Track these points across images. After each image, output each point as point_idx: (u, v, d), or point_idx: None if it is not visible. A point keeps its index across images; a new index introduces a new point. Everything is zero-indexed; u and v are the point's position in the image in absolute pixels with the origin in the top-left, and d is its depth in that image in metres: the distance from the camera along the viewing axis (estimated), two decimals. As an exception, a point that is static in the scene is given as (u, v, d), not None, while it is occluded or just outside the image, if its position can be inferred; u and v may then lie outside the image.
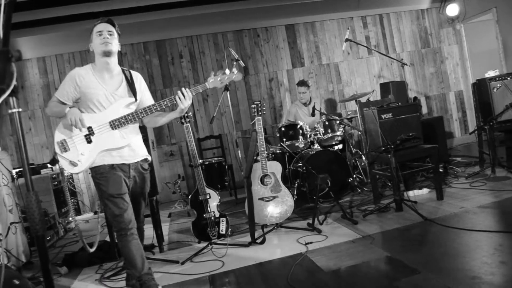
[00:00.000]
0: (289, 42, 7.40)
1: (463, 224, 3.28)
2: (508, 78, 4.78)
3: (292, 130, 5.10)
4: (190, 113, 3.91)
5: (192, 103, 6.90)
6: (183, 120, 3.85)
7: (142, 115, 2.72)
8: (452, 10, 7.67)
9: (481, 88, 5.00)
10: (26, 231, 4.11)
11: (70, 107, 2.66)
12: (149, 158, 2.97)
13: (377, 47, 7.64)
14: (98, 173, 2.70)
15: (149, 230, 4.05)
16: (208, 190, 3.86)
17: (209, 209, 3.84)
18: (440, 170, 4.41)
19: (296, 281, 2.80)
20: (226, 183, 5.81)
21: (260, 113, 4.02)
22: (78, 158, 2.66)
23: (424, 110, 7.80)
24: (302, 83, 5.99)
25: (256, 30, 7.28)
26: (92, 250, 3.24)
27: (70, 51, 6.60)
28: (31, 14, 5.78)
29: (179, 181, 5.96)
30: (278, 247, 3.61)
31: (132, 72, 2.92)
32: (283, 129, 5.14)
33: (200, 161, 3.97)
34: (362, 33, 7.68)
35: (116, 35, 2.77)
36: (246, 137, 6.72)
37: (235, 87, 7.10)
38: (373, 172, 4.51)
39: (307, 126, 5.19)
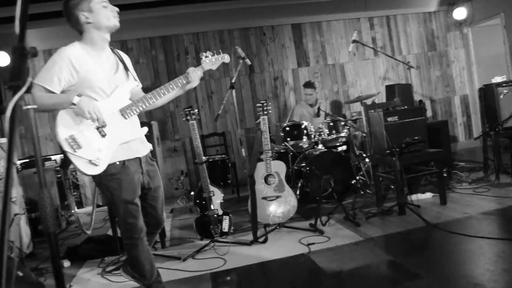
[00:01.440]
0: (295, 41, 7.39)
1: (466, 230, 3.27)
2: (515, 84, 4.77)
3: (297, 130, 5.10)
4: (196, 110, 3.91)
5: (197, 99, 6.94)
6: (188, 117, 3.85)
7: (152, 100, 2.41)
8: (460, 13, 7.64)
9: (487, 93, 4.98)
10: (29, 223, 4.13)
11: (78, 95, 2.18)
12: (151, 147, 2.66)
13: (383, 49, 7.62)
14: (109, 173, 2.30)
15: (151, 226, 4.07)
16: (212, 188, 3.86)
17: (212, 206, 3.84)
18: (444, 174, 4.40)
19: (298, 282, 2.81)
20: (229, 181, 5.82)
21: (265, 112, 4.01)
22: (97, 155, 2.23)
23: (429, 113, 7.78)
24: (309, 84, 5.98)
25: (262, 29, 7.27)
26: (88, 232, 3.22)
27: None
28: (38, 7, 5.78)
29: (182, 178, 5.96)
30: (280, 247, 3.61)
31: (119, 51, 2.56)
32: (287, 128, 5.13)
33: (204, 158, 3.96)
34: (368, 34, 7.66)
35: None
36: (249, 135, 6.72)
37: (240, 85, 7.09)
38: (377, 174, 4.51)
39: (312, 127, 5.19)
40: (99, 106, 2.22)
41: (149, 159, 2.56)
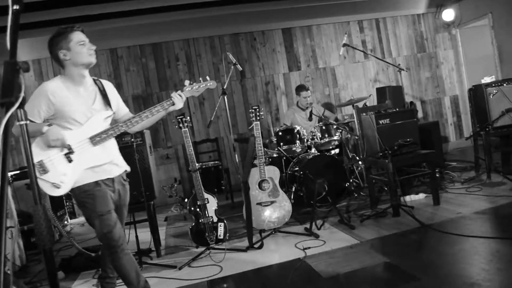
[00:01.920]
0: (285, 46, 7.42)
1: (460, 230, 3.30)
2: (504, 84, 4.82)
3: (289, 135, 5.11)
4: (188, 117, 3.90)
5: (188, 106, 6.93)
6: (181, 125, 3.84)
7: (123, 128, 2.60)
8: (448, 15, 7.72)
9: (477, 93, 5.03)
10: (22, 235, 4.08)
11: (48, 125, 2.39)
12: (128, 168, 2.83)
13: (373, 52, 7.67)
14: (83, 191, 2.51)
15: (146, 235, 4.06)
16: (206, 195, 3.85)
17: (207, 213, 3.83)
18: (436, 175, 4.43)
19: (295, 287, 2.81)
20: (223, 187, 5.81)
21: (258, 118, 4.02)
22: (60, 179, 2.43)
23: (420, 114, 7.84)
24: (303, 87, 5.98)
25: (252, 34, 7.28)
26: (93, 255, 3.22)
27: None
28: (26, 17, 5.75)
29: (175, 185, 5.94)
30: (276, 252, 3.61)
31: (102, 81, 2.74)
32: (280, 133, 5.14)
33: (198, 165, 3.95)
34: (358, 37, 7.71)
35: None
36: (241, 138, 6.70)
37: (231, 90, 7.10)
38: (370, 177, 4.53)
39: (304, 131, 5.20)
40: (65, 135, 2.43)
41: (122, 179, 2.75)
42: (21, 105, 1.04)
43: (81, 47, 2.49)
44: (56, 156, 2.44)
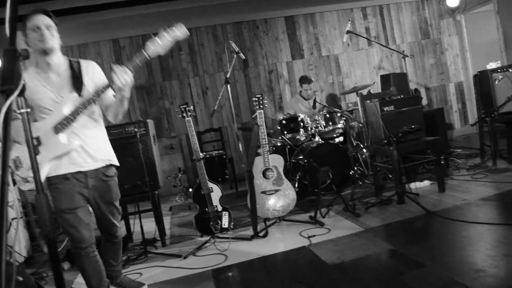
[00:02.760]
0: (288, 34, 7.36)
1: (466, 217, 3.28)
2: (510, 70, 4.76)
3: (293, 123, 5.08)
4: (192, 106, 3.88)
5: (192, 95, 6.91)
6: (184, 114, 3.82)
7: (80, 110, 2.30)
8: (452, 0, 7.62)
9: (482, 79, 4.98)
10: (27, 226, 4.10)
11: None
12: (116, 162, 2.61)
13: (377, 38, 7.60)
14: (51, 183, 2.39)
15: (151, 224, 4.07)
16: (210, 184, 3.84)
17: (211, 202, 3.83)
18: (441, 162, 4.40)
19: (300, 274, 2.81)
20: (227, 176, 5.80)
21: (261, 106, 4.00)
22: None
23: (424, 101, 7.78)
24: (306, 79, 5.94)
25: (255, 22, 7.23)
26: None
27: (67, 45, 6.55)
28: (26, 8, 5.71)
29: (179, 175, 5.94)
30: (280, 241, 3.61)
31: (82, 61, 2.52)
32: (284, 122, 5.12)
33: (202, 154, 3.95)
34: (362, 24, 7.64)
35: (55, 28, 2.36)
36: (244, 127, 6.68)
37: (234, 79, 7.06)
38: (375, 164, 4.51)
39: (308, 119, 5.18)
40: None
41: (101, 175, 2.51)
42: (21, 93, 1.03)
43: (32, 32, 2.29)
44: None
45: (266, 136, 4.01)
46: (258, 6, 7.02)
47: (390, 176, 4.85)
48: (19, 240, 3.79)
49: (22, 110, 1.06)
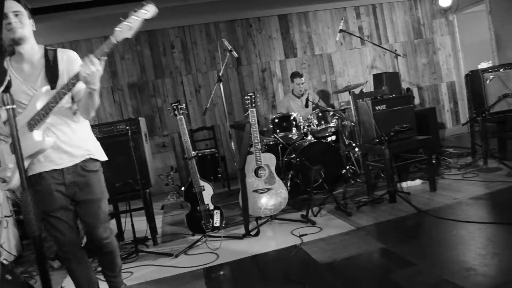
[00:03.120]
0: (282, 32, 7.35)
1: (457, 216, 3.30)
2: (501, 70, 4.79)
3: (286, 122, 5.08)
4: (184, 104, 3.87)
5: (184, 94, 6.88)
6: (176, 112, 3.81)
7: (52, 104, 2.08)
8: (445, 0, 7.65)
9: (474, 79, 5.00)
10: (17, 225, 4.07)
11: None
12: (96, 155, 2.38)
13: (370, 38, 7.62)
14: (30, 184, 2.15)
15: (142, 223, 4.05)
16: (202, 183, 3.83)
17: (203, 201, 3.82)
18: (433, 161, 4.42)
19: (292, 273, 2.81)
20: (219, 175, 5.79)
21: (254, 105, 3.99)
22: (6, 172, 2.15)
23: (417, 100, 7.81)
24: (297, 74, 5.97)
25: (248, 20, 7.21)
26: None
27: (58, 42, 6.50)
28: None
29: (171, 173, 5.92)
30: (272, 239, 3.61)
31: (59, 50, 2.28)
32: (276, 120, 5.12)
33: (194, 153, 3.93)
34: (355, 23, 7.65)
35: (26, 13, 2.15)
36: (236, 124, 6.65)
37: (227, 77, 7.04)
38: (367, 163, 4.52)
39: (301, 118, 5.18)
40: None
41: (80, 170, 2.29)
42: (7, 89, 1.01)
43: (4, 20, 2.02)
44: (5, 147, 2.16)
45: (258, 135, 4.00)
46: (251, 4, 7.00)
47: (382, 175, 4.86)
48: (9, 239, 3.75)
49: (8, 107, 1.04)
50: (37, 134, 2.10)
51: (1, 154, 2.16)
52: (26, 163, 2.08)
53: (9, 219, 3.80)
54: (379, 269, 2.69)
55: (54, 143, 2.19)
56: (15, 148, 1.21)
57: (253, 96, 4.00)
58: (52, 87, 2.16)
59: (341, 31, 5.69)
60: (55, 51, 2.26)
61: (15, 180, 2.14)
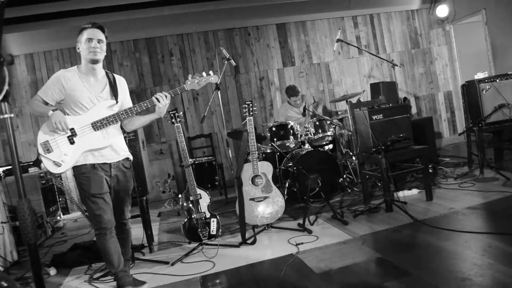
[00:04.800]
0: (280, 41, 7.39)
1: (453, 225, 3.31)
2: (497, 80, 4.83)
3: (283, 130, 5.10)
4: (181, 112, 3.88)
5: (182, 101, 6.90)
6: (173, 120, 3.82)
7: (123, 116, 2.81)
8: (442, 11, 7.73)
9: (470, 89, 5.04)
10: (13, 231, 4.05)
11: (53, 110, 2.69)
12: (131, 157, 3.03)
13: (367, 47, 7.67)
14: (80, 172, 2.76)
15: (138, 230, 4.04)
16: (199, 191, 3.83)
17: (199, 209, 3.82)
18: (429, 170, 4.44)
19: (287, 282, 2.80)
20: (216, 183, 5.79)
21: (251, 113, 4.01)
22: (62, 158, 2.71)
23: (414, 110, 7.86)
24: (293, 91, 5.85)
25: (247, 29, 7.26)
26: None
27: (58, 48, 6.52)
28: (19, 10, 5.69)
29: (169, 180, 5.92)
30: (269, 248, 3.60)
31: (115, 75, 2.98)
32: (274, 129, 5.13)
33: (191, 160, 3.93)
34: (352, 33, 7.70)
35: (105, 41, 2.81)
36: (234, 132, 6.66)
37: (225, 85, 7.07)
38: (364, 172, 4.53)
39: (298, 126, 5.19)
40: (67, 119, 2.69)
41: (122, 166, 2.94)
42: (5, 98, 1.02)
43: (86, 43, 2.73)
44: (61, 137, 2.72)
45: (255, 143, 4.01)
46: (250, 13, 7.06)
47: (379, 184, 4.88)
48: (4, 245, 3.74)
49: (6, 116, 1.05)
50: (100, 134, 2.77)
51: (56, 143, 2.71)
52: (82, 155, 2.74)
53: (5, 225, 3.78)
54: (375, 279, 2.69)
55: (111, 143, 2.82)
56: (12, 153, 1.21)
57: (250, 105, 4.01)
58: (116, 101, 2.87)
59: (338, 40, 5.73)
60: (112, 75, 2.95)
61: (68, 166, 2.71)
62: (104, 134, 2.80)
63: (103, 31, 2.79)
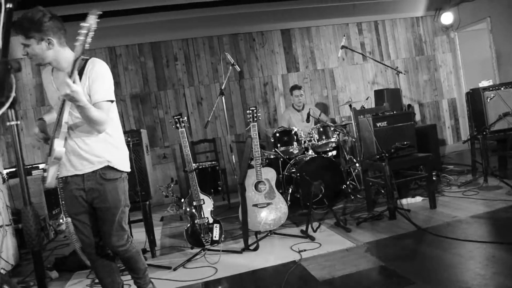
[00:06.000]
0: (284, 47, 7.40)
1: (456, 234, 3.29)
2: (502, 88, 4.82)
3: (287, 136, 5.09)
4: (185, 117, 3.89)
5: (186, 106, 6.91)
6: (178, 125, 3.82)
7: (58, 117, 2.24)
8: (447, 18, 7.72)
9: (474, 97, 5.03)
10: (16, 234, 4.06)
11: (38, 119, 2.47)
12: (113, 164, 2.40)
13: (372, 54, 7.67)
14: (60, 188, 2.47)
15: (141, 235, 4.04)
16: (202, 196, 3.83)
17: (202, 214, 3.82)
18: (433, 178, 4.42)
19: (290, 290, 2.79)
20: (219, 188, 5.78)
21: (255, 119, 4.01)
22: (45, 171, 2.32)
23: (418, 117, 7.84)
24: (296, 86, 6.08)
25: (251, 34, 7.27)
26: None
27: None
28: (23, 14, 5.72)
29: (172, 185, 5.92)
30: (271, 254, 3.59)
31: (89, 60, 2.32)
32: (277, 134, 5.13)
33: (194, 165, 3.93)
34: (357, 39, 7.71)
35: (33, 43, 2.20)
36: (239, 141, 6.70)
37: (229, 90, 7.08)
38: (367, 179, 4.52)
39: (302, 132, 5.19)
40: (37, 129, 2.40)
41: (98, 177, 2.35)
42: (12, 105, 1.03)
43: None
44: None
45: (259, 149, 4.01)
46: (254, 19, 7.08)
47: (382, 191, 4.86)
48: (7, 248, 3.74)
49: (12, 123, 1.06)
50: (59, 141, 2.22)
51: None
52: (53, 165, 2.26)
53: (8, 228, 3.79)
54: (377, 287, 2.68)
55: (75, 149, 2.31)
56: (17, 159, 1.22)
57: (254, 111, 4.02)
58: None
59: (343, 47, 5.74)
60: (88, 61, 2.31)
61: (49, 179, 2.28)
62: (68, 139, 2.30)
63: (23, 31, 2.19)
